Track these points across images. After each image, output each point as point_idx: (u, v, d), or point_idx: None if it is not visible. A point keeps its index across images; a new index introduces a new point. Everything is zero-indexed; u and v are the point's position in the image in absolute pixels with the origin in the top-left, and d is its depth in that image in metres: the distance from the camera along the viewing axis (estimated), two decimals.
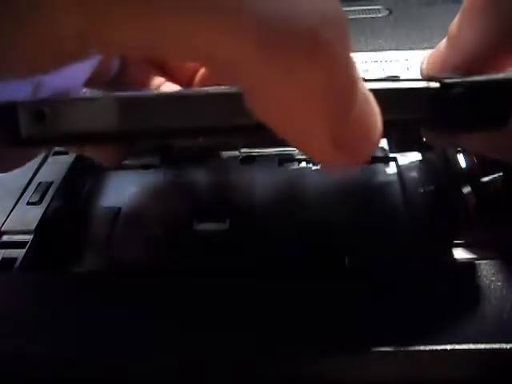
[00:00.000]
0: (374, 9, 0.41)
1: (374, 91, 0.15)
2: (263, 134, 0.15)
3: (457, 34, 0.21)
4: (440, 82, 0.18)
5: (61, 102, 0.16)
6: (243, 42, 0.12)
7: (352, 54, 0.14)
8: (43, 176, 0.28)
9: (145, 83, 0.26)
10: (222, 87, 0.16)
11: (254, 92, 0.14)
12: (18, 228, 0.25)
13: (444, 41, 0.22)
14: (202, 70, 0.26)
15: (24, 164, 0.24)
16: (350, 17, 0.40)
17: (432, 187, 0.27)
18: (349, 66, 0.14)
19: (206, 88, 0.17)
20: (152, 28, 0.12)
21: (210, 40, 0.12)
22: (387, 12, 0.41)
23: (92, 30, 0.12)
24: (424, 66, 0.23)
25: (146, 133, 0.17)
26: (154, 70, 0.27)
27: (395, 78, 0.23)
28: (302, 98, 0.13)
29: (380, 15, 0.40)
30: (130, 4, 0.11)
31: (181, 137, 0.18)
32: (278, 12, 0.12)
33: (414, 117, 0.18)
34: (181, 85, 0.27)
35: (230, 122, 0.16)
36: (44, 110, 0.16)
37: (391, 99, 0.16)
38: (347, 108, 0.14)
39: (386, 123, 0.15)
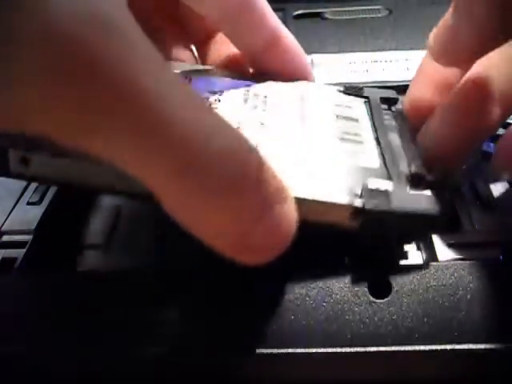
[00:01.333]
0: (374, 9, 0.41)
1: (298, 200, 0.16)
2: None
3: (468, 4, 0.20)
4: (363, 204, 0.19)
5: (45, 153, 0.19)
6: (164, 173, 0.14)
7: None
8: None
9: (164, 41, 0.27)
10: None
11: (167, 204, 0.15)
12: (18, 228, 0.25)
13: (450, 14, 0.21)
14: (230, 52, 0.27)
15: None
16: (350, 17, 0.40)
17: None
18: (262, 187, 0.15)
19: None
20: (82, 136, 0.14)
21: (139, 164, 0.14)
22: (387, 12, 0.41)
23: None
24: (432, 44, 0.22)
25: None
26: (170, 27, 0.28)
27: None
28: (215, 219, 0.15)
29: (380, 15, 0.40)
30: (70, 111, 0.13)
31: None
32: (205, 157, 0.14)
33: (336, 226, 0.19)
34: (196, 43, 0.28)
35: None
36: (28, 156, 0.19)
37: (313, 211, 0.17)
38: (257, 223, 0.15)
39: (308, 225, 0.17)
